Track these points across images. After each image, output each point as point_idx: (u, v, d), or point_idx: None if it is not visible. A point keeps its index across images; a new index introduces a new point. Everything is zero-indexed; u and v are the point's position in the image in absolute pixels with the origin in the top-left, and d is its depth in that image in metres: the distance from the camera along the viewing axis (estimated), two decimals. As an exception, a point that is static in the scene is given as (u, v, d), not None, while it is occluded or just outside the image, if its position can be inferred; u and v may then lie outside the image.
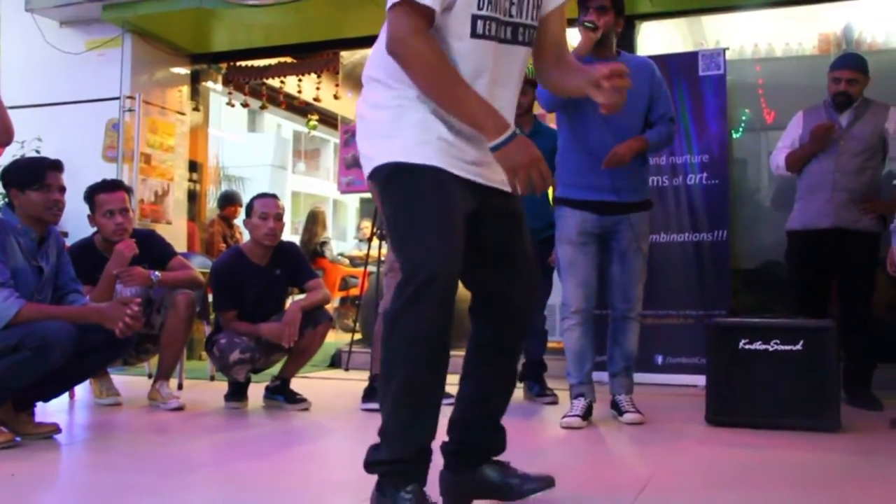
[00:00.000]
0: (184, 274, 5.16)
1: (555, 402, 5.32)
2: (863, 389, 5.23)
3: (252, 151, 27.31)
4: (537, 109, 5.52)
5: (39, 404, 4.19)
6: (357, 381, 6.01)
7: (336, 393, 5.91)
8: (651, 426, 4.51)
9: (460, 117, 2.41)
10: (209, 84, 9.25)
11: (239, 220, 8.98)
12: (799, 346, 4.41)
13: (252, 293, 5.11)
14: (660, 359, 6.36)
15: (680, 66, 6.33)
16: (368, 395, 5.03)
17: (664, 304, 6.22)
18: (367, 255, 8.53)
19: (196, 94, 9.01)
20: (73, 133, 7.83)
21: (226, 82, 9.42)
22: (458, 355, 2.58)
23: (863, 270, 5.25)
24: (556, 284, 5.22)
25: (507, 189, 2.62)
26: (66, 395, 4.95)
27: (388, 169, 2.44)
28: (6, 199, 4.06)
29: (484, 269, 2.62)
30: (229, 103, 9.97)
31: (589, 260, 4.57)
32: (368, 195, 9.21)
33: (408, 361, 2.36)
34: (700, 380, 5.14)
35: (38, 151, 7.25)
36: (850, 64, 5.37)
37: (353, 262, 11.82)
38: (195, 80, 9.01)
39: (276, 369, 5.30)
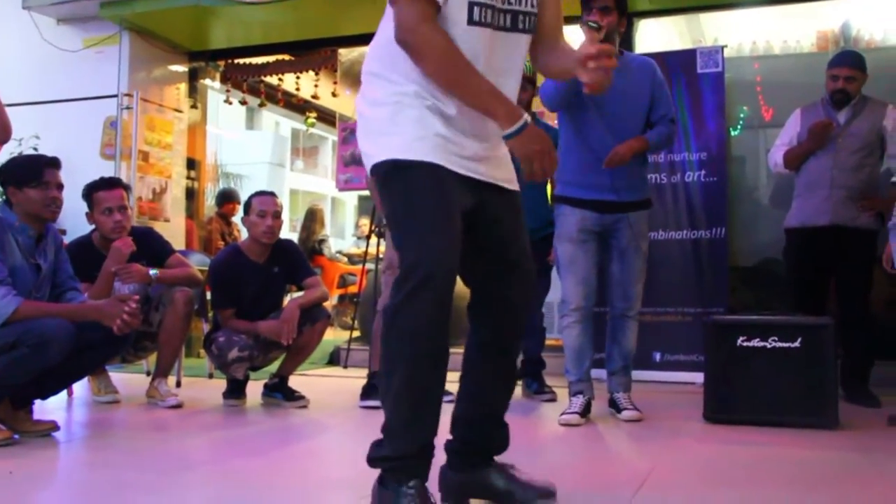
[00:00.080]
0: (182, 271, 5.16)
1: (553, 400, 5.32)
2: (860, 386, 5.23)
3: (250, 149, 27.32)
4: (536, 106, 5.52)
5: (38, 402, 4.19)
6: (355, 378, 6.02)
7: (334, 390, 5.92)
8: (649, 423, 4.52)
9: (473, 105, 2.40)
10: (207, 82, 9.26)
11: (237, 218, 9.00)
12: (797, 344, 4.42)
13: (250, 291, 5.12)
14: (658, 356, 6.37)
15: (678, 63, 6.34)
16: (367, 393, 5.04)
17: (662, 301, 6.23)
18: (366, 253, 8.52)
19: (194, 92, 9.02)
20: (70, 131, 7.84)
21: (224, 80, 9.44)
22: (457, 352, 2.58)
23: (861, 268, 5.25)
24: (554, 282, 5.23)
25: (506, 185, 2.63)
26: (64, 393, 4.96)
27: (387, 166, 2.43)
28: (4, 197, 4.05)
29: (482, 267, 2.62)
30: (227, 101, 10.00)
31: (589, 258, 4.58)
32: (367, 193, 9.22)
33: (407, 357, 2.37)
34: (698, 377, 5.15)
35: (35, 149, 7.25)
36: (848, 61, 5.38)
37: (352, 259, 11.83)
38: (193, 77, 9.01)
39: (274, 367, 5.31)
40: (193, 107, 8.99)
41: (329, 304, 8.78)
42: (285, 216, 6.01)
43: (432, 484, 2.51)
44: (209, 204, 9.67)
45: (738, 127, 7.38)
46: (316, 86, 9.80)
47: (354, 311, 8.32)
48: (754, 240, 7.17)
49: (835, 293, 5.42)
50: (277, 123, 29.92)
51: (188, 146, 8.86)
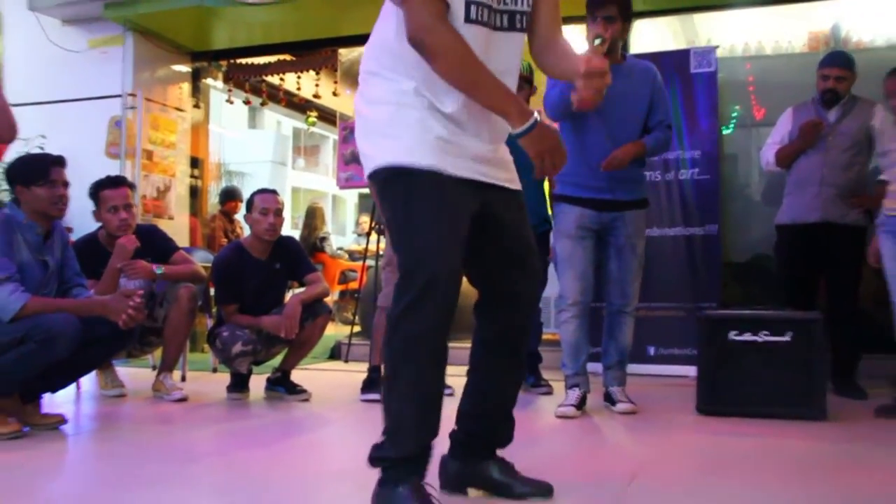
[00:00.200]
0: (186, 268, 5.18)
1: (549, 393, 5.34)
2: (849, 379, 5.25)
3: (252, 148, 27.28)
4: (532, 105, 5.53)
5: (46, 395, 4.21)
6: (356, 372, 6.03)
7: (335, 384, 5.93)
8: (643, 416, 4.53)
9: (486, 104, 2.40)
10: (210, 81, 9.25)
11: (240, 216, 9.00)
12: (787, 338, 4.44)
13: (253, 287, 5.13)
14: (652, 350, 6.39)
15: (672, 63, 6.34)
16: (367, 386, 5.06)
17: (656, 296, 6.23)
18: (366, 250, 8.53)
19: (197, 92, 9.01)
20: (76, 130, 7.82)
21: (226, 80, 9.43)
22: (455, 347, 2.61)
23: (850, 264, 5.26)
24: (550, 278, 5.25)
25: (508, 186, 2.64)
26: (72, 387, 4.96)
27: (388, 170, 2.43)
28: (12, 196, 4.07)
29: (490, 266, 2.63)
30: (229, 100, 9.98)
31: (586, 254, 4.59)
32: (367, 191, 9.20)
33: (411, 361, 2.39)
34: (691, 370, 5.16)
35: (42, 148, 7.23)
36: (838, 61, 5.39)
37: (352, 256, 11.83)
38: (196, 77, 9.00)
39: (276, 361, 5.32)
40: (196, 106, 8.98)
41: (330, 300, 8.79)
42: (287, 214, 6.02)
43: (431, 472, 2.53)
44: (212, 202, 9.66)
45: (731, 126, 7.37)
46: (317, 85, 9.80)
47: (355, 306, 8.33)
48: (746, 236, 7.17)
49: (824, 288, 5.44)
50: (279, 122, 29.90)
51: (191, 145, 8.85)
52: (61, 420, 4.05)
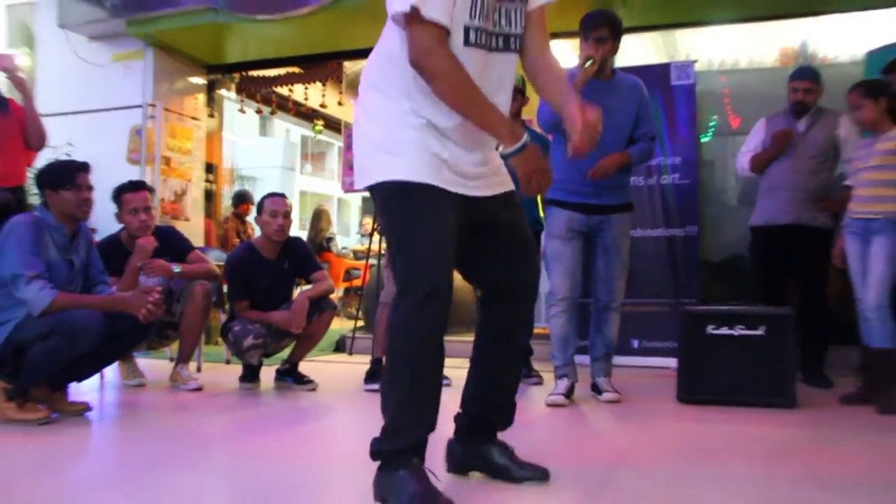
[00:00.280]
0: (201, 266, 5.18)
1: (540, 383, 5.34)
2: (817, 370, 5.28)
3: (263, 154, 27.32)
4: (526, 114, 5.54)
5: (73, 384, 4.22)
6: (360, 364, 6.02)
7: (340, 375, 5.94)
8: (627, 404, 4.54)
9: (479, 125, 2.40)
10: (223, 92, 9.23)
11: (251, 218, 8.99)
12: (761, 331, 4.45)
13: (263, 284, 5.13)
14: (636, 343, 6.40)
15: (654, 76, 6.35)
16: (370, 377, 5.06)
17: (640, 293, 6.24)
18: (369, 249, 8.55)
19: (212, 102, 9.00)
20: (100, 138, 7.83)
21: (239, 91, 9.42)
22: (452, 340, 2.62)
23: (818, 263, 5.25)
24: (542, 277, 5.25)
25: (501, 190, 2.63)
26: (96, 377, 4.96)
27: (388, 186, 2.42)
28: (41, 199, 4.07)
29: (493, 264, 2.63)
30: (242, 110, 9.97)
31: (575, 254, 4.60)
32: (368, 194, 9.23)
33: (411, 364, 2.40)
34: (672, 362, 5.17)
35: (68, 155, 7.22)
36: (806, 75, 5.40)
37: (356, 255, 11.83)
38: (211, 88, 9.00)
39: (285, 353, 5.33)
40: (211, 115, 8.98)
41: (335, 297, 8.77)
42: (295, 216, 5.99)
43: (439, 456, 2.54)
44: (226, 205, 9.66)
45: (709, 134, 7.39)
46: (323, 96, 9.80)
47: (359, 302, 8.32)
48: (723, 237, 7.18)
49: (795, 285, 5.45)
50: (288, 130, 29.89)
51: (206, 152, 8.85)
52: (86, 407, 4.06)
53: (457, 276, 2.50)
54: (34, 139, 5.08)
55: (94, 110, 8.12)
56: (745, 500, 2.59)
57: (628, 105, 4.60)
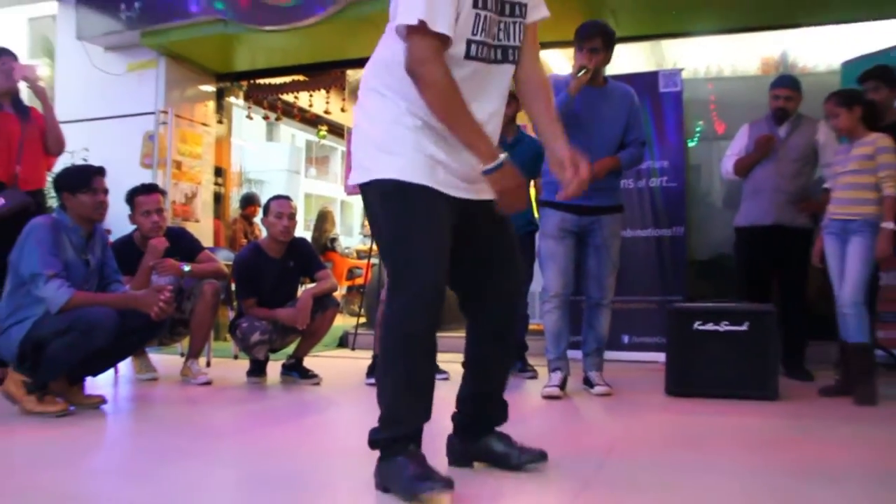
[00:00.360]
0: (210, 266, 5.18)
1: (534, 377, 5.35)
2: (798, 363, 5.29)
3: (269, 158, 27.33)
4: (520, 120, 5.54)
5: (88, 378, 4.21)
6: (362, 359, 6.03)
7: (343, 370, 5.93)
8: (618, 397, 4.55)
9: (460, 138, 2.38)
10: (232, 99, 9.24)
11: (258, 219, 9.00)
12: (744, 327, 4.46)
13: (269, 283, 5.13)
14: (626, 338, 6.41)
15: (643, 83, 6.34)
16: (372, 372, 5.06)
17: (630, 290, 6.25)
18: (370, 249, 8.55)
19: (221, 109, 9.00)
20: (115, 143, 7.83)
21: (247, 98, 9.42)
22: (448, 336, 2.63)
23: (799, 262, 5.25)
24: (535, 274, 5.26)
25: (489, 195, 2.64)
26: (110, 371, 4.97)
27: (387, 185, 2.41)
28: (59, 202, 4.08)
29: (476, 268, 2.62)
30: (249, 116, 9.98)
31: (567, 252, 4.61)
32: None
33: (405, 358, 2.41)
34: (661, 357, 5.16)
35: (85, 160, 7.23)
36: (786, 83, 5.42)
37: (359, 254, 11.84)
38: (220, 96, 9.00)
39: (291, 349, 5.33)
40: (220, 122, 8.98)
41: (339, 294, 8.80)
42: (300, 217, 5.99)
43: (439, 452, 2.55)
44: (234, 207, 9.67)
45: (695, 139, 7.40)
46: (327, 102, 9.80)
47: (361, 300, 8.32)
48: (709, 237, 7.19)
49: (777, 283, 5.46)
50: (293, 136, 29.89)
51: (216, 156, 8.84)
52: (102, 400, 4.06)
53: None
54: (53, 145, 5.09)
55: (110, 117, 8.13)
56: (730, 486, 2.60)
57: (619, 112, 4.61)
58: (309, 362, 5.30)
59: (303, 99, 10.10)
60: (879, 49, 6.04)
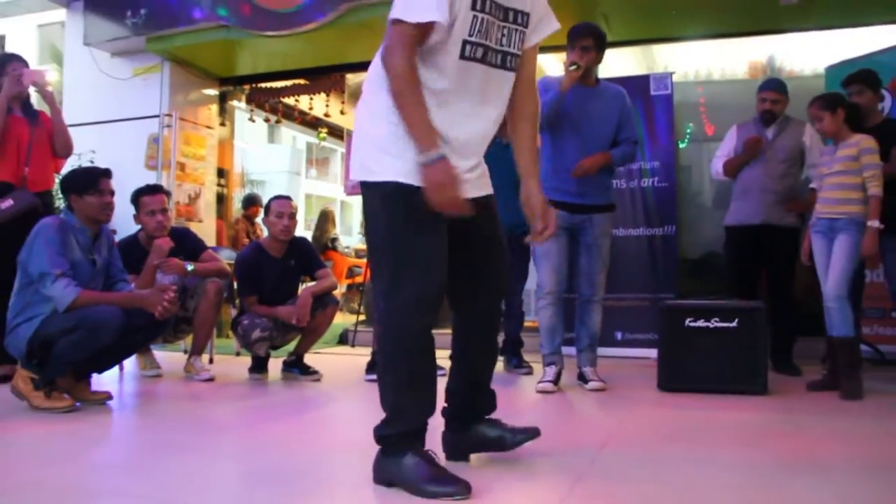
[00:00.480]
0: (213, 265, 5.17)
1: (530, 373, 5.34)
2: (786, 359, 5.29)
3: (271, 160, 27.28)
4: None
5: (94, 375, 4.22)
6: (361, 356, 6.03)
7: (343, 366, 5.92)
8: (611, 392, 4.55)
9: (406, 126, 2.34)
10: (234, 103, 9.24)
11: (259, 219, 8.99)
12: (734, 324, 4.45)
13: (270, 281, 5.12)
14: (619, 335, 6.41)
15: (634, 87, 6.34)
16: (371, 368, 5.06)
17: (622, 288, 6.26)
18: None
19: (223, 112, 9.02)
20: (121, 146, 7.85)
21: (248, 101, 9.41)
22: (444, 333, 2.62)
23: (787, 260, 5.28)
24: (531, 273, 5.26)
25: (482, 194, 2.63)
26: (116, 368, 4.97)
27: (388, 187, 2.40)
28: (66, 203, 4.07)
29: (465, 265, 2.59)
30: (251, 119, 9.97)
31: (561, 250, 4.60)
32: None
33: (408, 355, 2.41)
34: (653, 353, 5.17)
35: (92, 162, 7.26)
36: (773, 87, 5.42)
37: (358, 253, 11.81)
38: (223, 99, 9.02)
39: (291, 346, 5.32)
40: (223, 124, 8.99)
41: (338, 293, 8.78)
42: (300, 217, 5.98)
43: (435, 448, 2.54)
44: (236, 207, 9.66)
45: (686, 141, 7.40)
46: (327, 105, 9.77)
47: (360, 298, 8.30)
48: (699, 236, 7.20)
49: (766, 281, 5.46)
50: (294, 138, 29.84)
51: (218, 158, 8.85)
52: (108, 396, 4.06)
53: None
54: (61, 148, 5.08)
55: (116, 120, 8.15)
56: (721, 478, 2.59)
57: (611, 111, 4.62)
58: (309, 359, 5.29)
59: (303, 102, 10.08)
60: (862, 54, 6.06)
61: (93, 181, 4.02)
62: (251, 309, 5.09)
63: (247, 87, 9.19)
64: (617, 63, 7.64)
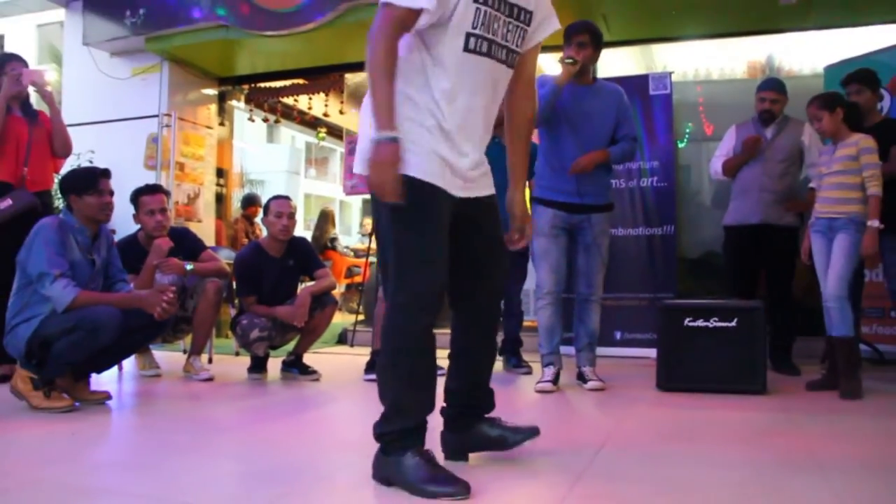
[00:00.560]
0: (212, 265, 5.17)
1: (529, 373, 5.34)
2: (785, 358, 5.29)
3: (270, 160, 27.24)
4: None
5: (94, 375, 4.22)
6: (360, 355, 6.03)
7: (342, 366, 5.92)
8: (610, 392, 4.55)
9: (373, 101, 2.36)
10: (234, 102, 9.25)
11: (259, 219, 8.99)
12: (733, 323, 4.45)
13: (269, 281, 5.12)
14: (618, 334, 6.40)
15: (633, 86, 6.34)
16: (370, 368, 5.06)
17: (622, 288, 6.26)
18: (369, 248, 8.54)
19: (222, 112, 9.02)
20: (120, 146, 7.86)
21: (248, 101, 9.42)
22: (444, 333, 2.62)
23: (786, 259, 5.29)
24: (530, 273, 5.26)
25: (485, 192, 2.64)
26: (115, 368, 4.96)
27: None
28: (66, 203, 4.07)
29: (466, 264, 2.59)
30: (250, 118, 9.98)
31: (559, 250, 4.61)
32: (369, 196, 9.24)
33: (411, 351, 2.41)
34: (652, 352, 5.18)
35: (91, 161, 7.27)
36: (772, 86, 5.41)
37: (357, 253, 11.82)
38: (222, 99, 9.02)
39: (291, 346, 5.31)
40: (222, 124, 8.99)
41: (337, 292, 8.78)
42: (300, 217, 6.00)
43: (434, 448, 2.54)
44: (235, 207, 9.66)
45: (685, 140, 7.41)
46: (326, 105, 9.79)
47: (359, 297, 8.31)
48: (698, 236, 7.20)
49: (764, 280, 5.46)
50: (293, 137, 29.81)
51: (217, 158, 8.86)
52: (107, 396, 4.06)
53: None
54: (60, 147, 5.08)
55: (115, 120, 8.17)
56: (720, 478, 2.59)
57: (608, 108, 4.62)
58: (308, 359, 5.29)
59: (302, 102, 10.09)
60: (861, 53, 6.06)
61: (92, 181, 4.02)
62: (250, 309, 5.08)
63: (246, 86, 9.20)
64: (616, 63, 7.65)
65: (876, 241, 4.33)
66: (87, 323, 3.67)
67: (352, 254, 11.98)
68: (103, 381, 4.72)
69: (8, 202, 4.69)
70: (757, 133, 5.38)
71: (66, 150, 5.14)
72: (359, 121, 2.62)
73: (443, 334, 2.56)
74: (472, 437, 2.73)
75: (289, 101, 9.68)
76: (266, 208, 5.22)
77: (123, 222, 5.24)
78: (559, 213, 4.58)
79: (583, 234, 4.64)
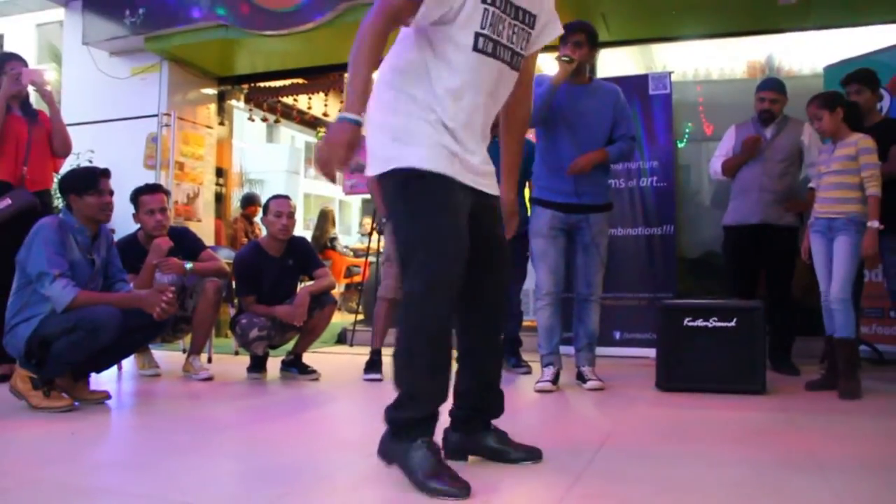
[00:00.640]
0: (212, 264, 5.17)
1: (528, 373, 5.34)
2: (784, 358, 5.30)
3: (270, 159, 27.25)
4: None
5: (93, 374, 4.22)
6: (360, 355, 6.02)
7: (342, 366, 5.92)
8: (610, 391, 4.55)
9: (349, 88, 2.36)
10: (233, 102, 9.25)
11: (258, 218, 8.99)
12: (733, 323, 4.45)
13: (268, 280, 5.12)
14: (618, 334, 6.41)
15: (632, 86, 6.35)
16: (369, 367, 5.06)
17: (621, 287, 6.26)
18: (368, 248, 8.54)
19: (222, 111, 9.03)
20: (119, 145, 7.86)
21: (247, 100, 9.43)
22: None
23: (785, 259, 5.29)
24: (529, 273, 5.26)
25: (489, 191, 2.64)
26: (114, 367, 4.96)
27: (405, 173, 2.41)
28: (65, 203, 4.07)
29: (478, 266, 2.58)
30: (250, 118, 9.98)
31: (558, 250, 4.61)
32: (369, 196, 9.22)
33: (432, 338, 2.41)
34: (651, 352, 5.18)
35: (90, 161, 7.27)
36: (772, 86, 5.42)
37: (356, 253, 11.82)
38: (221, 99, 9.03)
39: (290, 345, 5.32)
40: (221, 124, 8.99)
41: (336, 292, 8.77)
42: (299, 216, 5.99)
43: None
44: (235, 206, 9.67)
45: (684, 140, 7.41)
46: (325, 105, 9.80)
47: (359, 297, 8.31)
48: (698, 235, 7.20)
49: (764, 280, 5.46)
50: (293, 137, 29.81)
51: (217, 157, 8.86)
52: (106, 396, 4.06)
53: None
54: (60, 147, 5.08)
55: (114, 120, 8.18)
56: (720, 477, 2.59)
57: (605, 108, 4.62)
58: (308, 358, 5.29)
59: (302, 101, 10.10)
60: (861, 53, 6.06)
61: (92, 181, 4.02)
62: (249, 308, 5.08)
63: (245, 86, 9.21)
64: (615, 63, 7.65)
65: (876, 241, 4.33)
66: (86, 323, 3.68)
67: (351, 253, 11.98)
68: (103, 380, 4.72)
69: (7, 202, 4.69)
70: (756, 133, 5.38)
71: (66, 150, 5.14)
72: (366, 122, 2.61)
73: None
74: (474, 442, 2.73)
75: (288, 100, 9.69)
76: (265, 208, 5.22)
77: (123, 222, 5.24)
78: (557, 213, 4.58)
79: (581, 235, 4.64)
